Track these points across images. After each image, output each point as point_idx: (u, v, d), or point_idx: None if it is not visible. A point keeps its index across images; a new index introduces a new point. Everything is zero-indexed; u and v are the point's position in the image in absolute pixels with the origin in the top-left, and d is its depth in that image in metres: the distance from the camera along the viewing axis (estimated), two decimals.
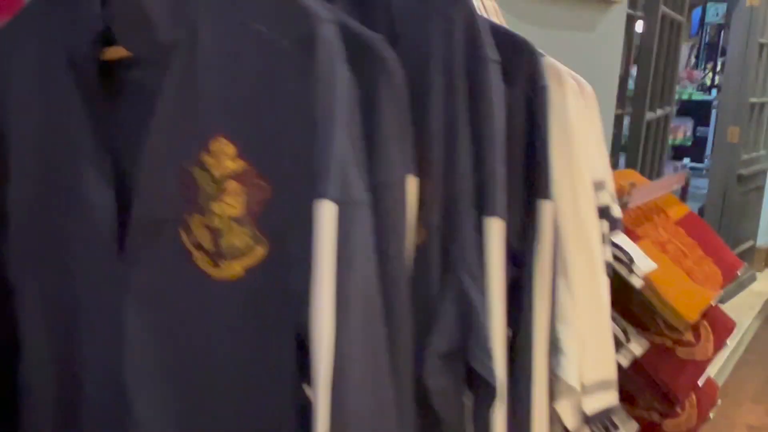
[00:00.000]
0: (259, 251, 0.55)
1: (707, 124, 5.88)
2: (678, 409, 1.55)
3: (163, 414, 0.59)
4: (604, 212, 0.89)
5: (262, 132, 0.54)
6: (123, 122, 0.59)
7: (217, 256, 0.56)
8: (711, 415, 1.65)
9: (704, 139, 5.96)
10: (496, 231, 0.60)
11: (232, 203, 0.55)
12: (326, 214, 0.49)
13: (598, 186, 0.89)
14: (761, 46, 3.52)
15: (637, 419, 1.42)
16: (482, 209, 0.59)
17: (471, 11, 0.66)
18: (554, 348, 0.81)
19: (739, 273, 1.58)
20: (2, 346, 0.69)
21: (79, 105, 0.59)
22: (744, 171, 3.69)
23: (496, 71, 0.61)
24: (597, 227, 0.85)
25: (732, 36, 3.58)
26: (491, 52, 0.62)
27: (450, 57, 0.60)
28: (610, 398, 0.87)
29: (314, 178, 0.50)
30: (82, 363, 0.62)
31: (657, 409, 1.53)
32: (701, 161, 5.81)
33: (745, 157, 3.70)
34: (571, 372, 0.79)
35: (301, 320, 0.52)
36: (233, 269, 0.56)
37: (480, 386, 0.60)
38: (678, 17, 2.42)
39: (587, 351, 0.83)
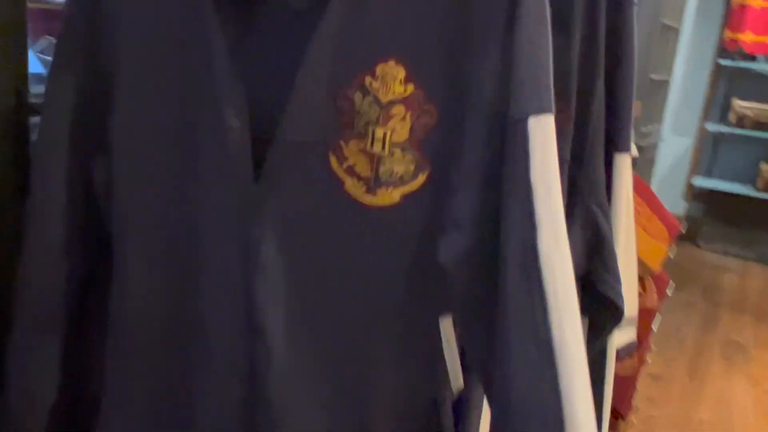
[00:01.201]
0: (420, 178, 0.55)
1: None
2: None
3: (296, 339, 0.58)
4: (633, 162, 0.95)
5: (432, 53, 0.53)
6: (261, 41, 0.56)
7: (374, 182, 0.55)
8: (648, 359, 1.82)
9: None
10: (626, 167, 0.63)
11: (397, 128, 0.54)
12: (544, 126, 0.50)
13: None
14: (663, 26, 3.78)
15: None
16: (615, 145, 0.62)
17: None
18: None
19: (683, 231, 1.73)
20: (79, 274, 0.65)
21: (212, 21, 0.55)
22: (642, 143, 3.97)
23: (633, 12, 0.63)
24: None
25: (639, 16, 3.81)
26: None
27: None
28: (632, 334, 0.94)
29: (528, 94, 0.50)
30: (202, 291, 0.60)
31: None
32: None
33: (642, 130, 3.98)
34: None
35: (457, 249, 0.53)
36: (391, 196, 0.55)
37: (605, 310, 0.63)
38: None
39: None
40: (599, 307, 0.65)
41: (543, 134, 0.52)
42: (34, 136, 0.74)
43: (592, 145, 0.62)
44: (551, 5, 0.57)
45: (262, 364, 0.57)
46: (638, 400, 2.64)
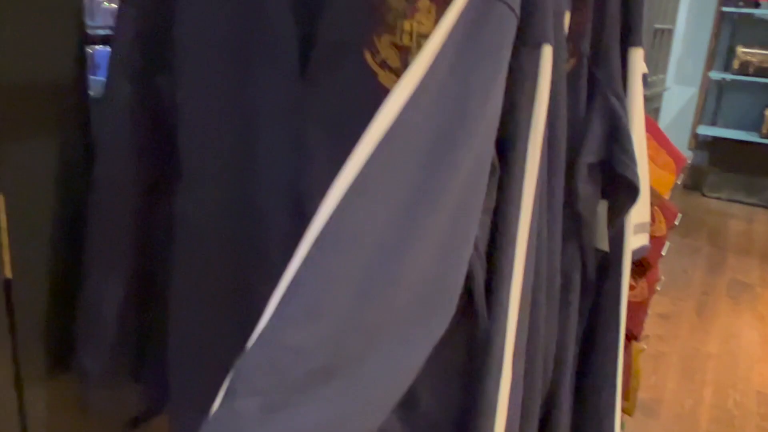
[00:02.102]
0: None
1: None
2: (632, 282, 1.76)
3: None
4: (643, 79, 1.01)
5: None
6: None
7: (403, 72, 0.61)
8: (658, 287, 1.89)
9: None
10: (638, 60, 0.70)
11: (423, 21, 0.60)
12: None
13: None
14: None
15: None
16: (628, 40, 0.68)
17: None
18: None
19: (688, 162, 1.79)
20: (149, 178, 0.72)
21: None
22: (646, 92, 4.01)
23: None
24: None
25: None
26: None
27: None
28: (645, 239, 1.01)
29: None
30: (258, 178, 0.66)
31: None
32: None
33: (647, 79, 4.01)
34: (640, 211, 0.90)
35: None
36: None
37: (622, 189, 0.70)
38: None
39: None
40: (617, 188, 0.72)
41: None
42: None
43: (608, 41, 0.68)
44: None
45: None
46: (648, 337, 2.73)
